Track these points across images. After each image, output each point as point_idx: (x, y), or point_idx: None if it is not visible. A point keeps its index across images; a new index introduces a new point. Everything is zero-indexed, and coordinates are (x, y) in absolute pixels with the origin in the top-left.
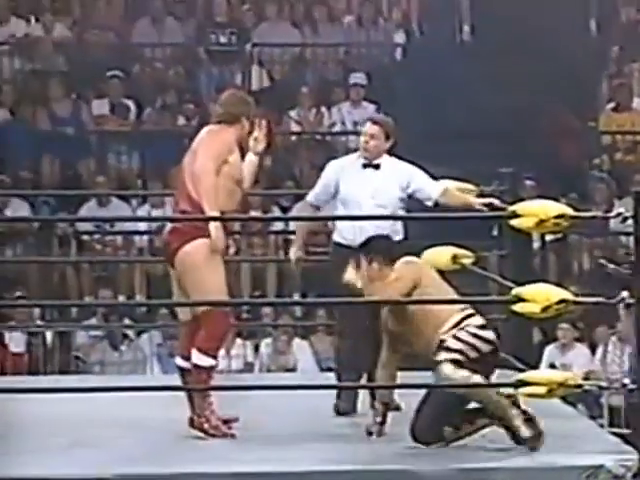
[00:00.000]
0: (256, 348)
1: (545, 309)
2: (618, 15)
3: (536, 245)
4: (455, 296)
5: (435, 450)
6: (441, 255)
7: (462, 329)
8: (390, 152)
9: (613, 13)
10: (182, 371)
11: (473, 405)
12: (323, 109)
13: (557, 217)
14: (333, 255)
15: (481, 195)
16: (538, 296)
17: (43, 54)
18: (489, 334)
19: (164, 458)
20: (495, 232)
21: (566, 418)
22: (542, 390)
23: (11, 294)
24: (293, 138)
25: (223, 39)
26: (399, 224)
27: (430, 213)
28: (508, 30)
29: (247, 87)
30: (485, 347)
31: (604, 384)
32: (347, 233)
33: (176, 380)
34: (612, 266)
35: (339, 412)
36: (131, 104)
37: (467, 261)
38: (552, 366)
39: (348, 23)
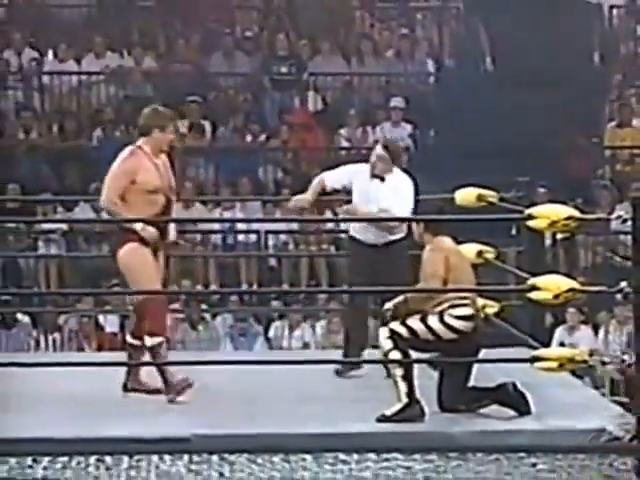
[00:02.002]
0: (312, 329)
1: (556, 297)
2: (619, 49)
3: (548, 242)
4: (474, 282)
5: (459, 415)
6: (468, 250)
7: (441, 314)
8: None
9: (614, 47)
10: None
11: (475, 384)
12: (368, 128)
13: (566, 219)
14: (350, 247)
15: (502, 199)
16: (550, 286)
17: (134, 82)
18: (461, 324)
19: (233, 422)
20: (513, 232)
21: (574, 388)
22: (554, 365)
23: (107, 283)
24: (342, 153)
25: (284, 69)
26: (403, 225)
27: (462, 216)
28: (524, 61)
29: (305, 109)
30: (448, 334)
31: (606, 360)
32: (360, 230)
33: (246, 355)
34: (618, 259)
35: (338, 372)
36: (207, 124)
37: (490, 256)
38: (561, 345)
39: (389, 56)
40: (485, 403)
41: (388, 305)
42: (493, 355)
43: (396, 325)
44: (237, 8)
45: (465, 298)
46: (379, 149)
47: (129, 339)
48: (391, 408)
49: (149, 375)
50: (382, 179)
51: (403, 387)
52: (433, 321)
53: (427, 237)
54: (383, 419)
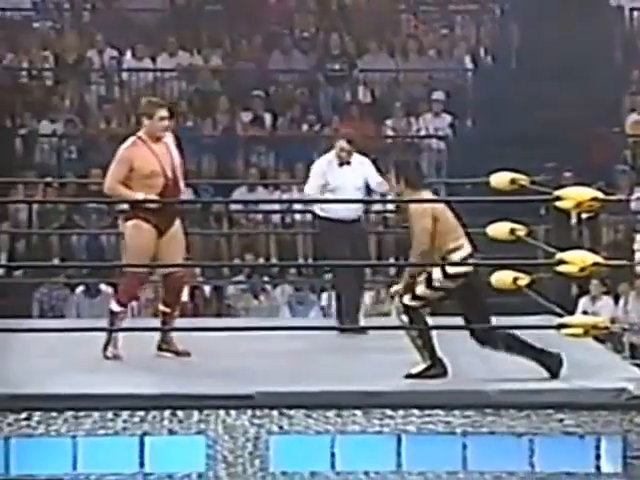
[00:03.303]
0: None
1: (582, 270)
2: (637, 47)
3: (574, 221)
4: (459, 229)
5: (493, 375)
6: (502, 228)
7: (442, 266)
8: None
9: (633, 45)
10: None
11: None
12: (412, 119)
13: (591, 200)
14: (325, 226)
15: (532, 183)
16: (576, 260)
17: (203, 78)
18: (461, 268)
19: (292, 380)
20: (542, 212)
21: (597, 352)
22: (579, 331)
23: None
24: (388, 141)
25: (337, 66)
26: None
27: (498, 197)
28: (553, 59)
29: (355, 102)
30: (453, 283)
31: (626, 327)
32: (335, 210)
33: (310, 321)
34: None
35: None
36: (268, 116)
37: (521, 233)
38: (585, 313)
39: (431, 54)
40: (525, 354)
41: (396, 288)
42: (524, 322)
43: (408, 299)
44: (295, 11)
45: (457, 240)
46: (344, 143)
47: (161, 307)
48: (416, 367)
49: (179, 340)
50: (348, 163)
51: (425, 353)
52: (437, 277)
53: (407, 192)
54: (410, 376)
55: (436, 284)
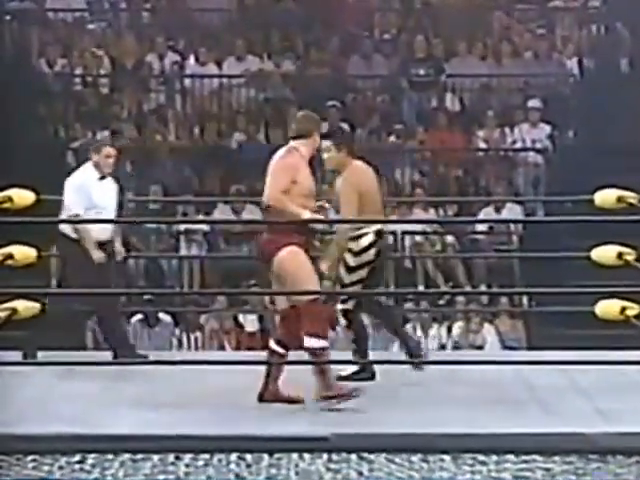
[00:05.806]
0: (449, 330)
1: None
2: None
3: None
4: (379, 205)
5: (596, 417)
6: (608, 252)
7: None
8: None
9: None
10: (272, 352)
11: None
12: (506, 129)
13: None
14: (74, 249)
15: None
16: None
17: (273, 85)
18: (365, 257)
19: (371, 421)
20: None
21: None
22: None
23: (246, 283)
24: (480, 154)
25: (422, 71)
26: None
27: (603, 216)
28: None
29: (442, 111)
30: (363, 273)
31: None
32: (96, 232)
33: (382, 355)
34: None
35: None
36: (346, 126)
37: (630, 257)
38: None
39: (527, 57)
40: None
41: (324, 267)
42: (634, 357)
43: (341, 305)
44: (376, 11)
45: (362, 227)
46: (110, 149)
47: (273, 346)
48: (346, 370)
49: (284, 384)
50: (104, 177)
51: (357, 355)
52: (347, 278)
53: (348, 160)
54: (340, 378)
55: (347, 281)
